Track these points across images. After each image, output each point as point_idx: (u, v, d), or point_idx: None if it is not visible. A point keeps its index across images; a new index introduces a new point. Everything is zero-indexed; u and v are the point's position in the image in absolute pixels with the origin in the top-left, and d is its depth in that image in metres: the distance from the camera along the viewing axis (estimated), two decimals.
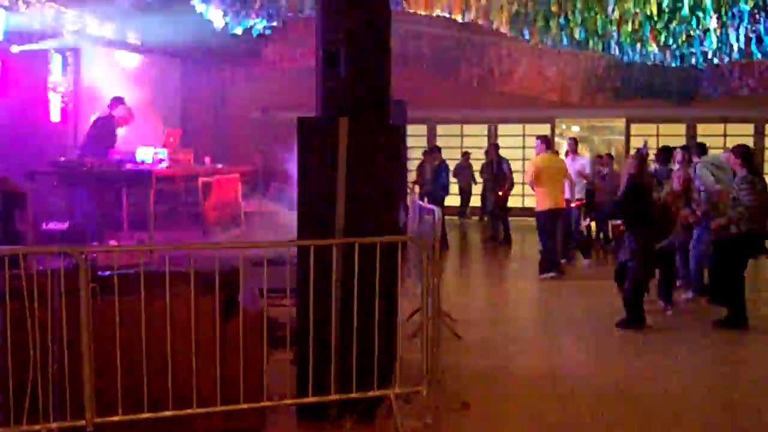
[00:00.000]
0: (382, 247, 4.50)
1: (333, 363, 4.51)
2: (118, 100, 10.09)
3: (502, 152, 14.33)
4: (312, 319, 4.49)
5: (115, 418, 4.02)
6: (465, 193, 16.97)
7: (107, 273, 4.26)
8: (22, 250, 4.18)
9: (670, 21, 10.33)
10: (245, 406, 4.25)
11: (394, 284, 4.70)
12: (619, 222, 8.16)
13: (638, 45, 11.12)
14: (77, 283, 3.88)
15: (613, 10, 10.42)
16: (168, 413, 4.11)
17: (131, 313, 4.08)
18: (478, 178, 15.83)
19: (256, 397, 4.29)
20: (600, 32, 10.93)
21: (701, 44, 10.86)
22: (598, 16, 10.66)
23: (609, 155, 12.95)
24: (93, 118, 10.57)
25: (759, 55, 11.27)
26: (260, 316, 4.32)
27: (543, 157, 10.14)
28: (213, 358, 4.20)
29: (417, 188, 12.25)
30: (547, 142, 10.52)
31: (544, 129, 19.34)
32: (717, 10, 10.03)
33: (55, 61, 11.47)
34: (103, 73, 12.24)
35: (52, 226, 9.55)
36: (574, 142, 12.17)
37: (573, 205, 11.07)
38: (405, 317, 6.18)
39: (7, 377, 3.88)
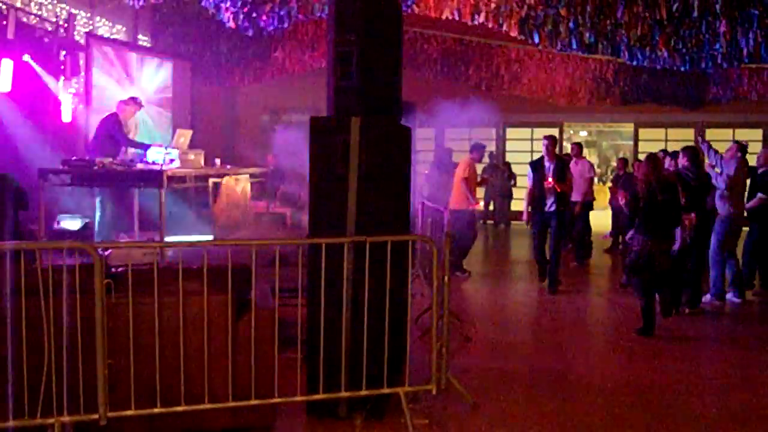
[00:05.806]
0: (393, 246, 4.54)
1: (343, 361, 4.55)
2: (122, 101, 10.15)
3: (510, 156, 14.30)
4: (323, 316, 4.52)
5: (128, 413, 4.06)
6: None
7: (121, 269, 4.30)
8: (37, 246, 4.21)
9: (679, 25, 10.33)
10: (256, 402, 4.29)
11: (405, 283, 4.73)
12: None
13: (647, 49, 11.11)
14: (91, 279, 3.92)
15: (623, 14, 10.44)
16: (180, 408, 4.15)
17: (144, 309, 4.12)
18: None
19: (267, 393, 4.32)
20: (609, 36, 10.92)
21: (711, 48, 10.86)
22: (608, 20, 10.66)
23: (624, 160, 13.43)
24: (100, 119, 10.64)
25: None
26: (272, 314, 4.36)
27: None
28: (225, 355, 4.24)
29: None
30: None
31: (552, 133, 19.36)
32: (727, 15, 10.02)
33: (66, 62, 11.52)
34: (114, 74, 12.32)
35: (64, 225, 9.65)
36: (578, 147, 12.74)
37: (576, 209, 11.32)
38: (415, 317, 6.21)
39: (22, 371, 3.93)
